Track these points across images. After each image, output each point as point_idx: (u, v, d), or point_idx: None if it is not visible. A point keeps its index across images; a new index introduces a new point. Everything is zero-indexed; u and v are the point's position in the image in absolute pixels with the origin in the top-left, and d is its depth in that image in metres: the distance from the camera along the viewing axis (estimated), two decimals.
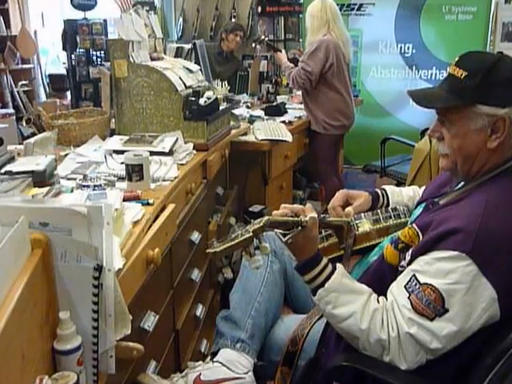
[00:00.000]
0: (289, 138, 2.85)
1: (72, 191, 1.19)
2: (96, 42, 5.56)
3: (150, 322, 1.40)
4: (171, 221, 1.53)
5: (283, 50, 3.69)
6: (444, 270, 1.06)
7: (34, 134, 1.93)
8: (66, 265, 0.86)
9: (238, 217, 2.79)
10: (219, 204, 2.57)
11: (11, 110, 6.52)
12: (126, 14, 2.03)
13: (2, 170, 1.18)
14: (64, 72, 6.57)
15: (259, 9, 4.91)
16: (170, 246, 1.63)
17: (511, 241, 1.05)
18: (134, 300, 1.24)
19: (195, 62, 2.80)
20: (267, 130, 2.88)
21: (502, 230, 1.05)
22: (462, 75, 1.14)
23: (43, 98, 7.18)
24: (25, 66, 6.99)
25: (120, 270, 1.11)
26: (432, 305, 1.07)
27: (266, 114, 3.36)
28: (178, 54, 2.90)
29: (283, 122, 3.20)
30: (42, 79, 7.23)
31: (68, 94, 6.70)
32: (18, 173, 1.16)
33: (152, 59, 2.29)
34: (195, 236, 1.96)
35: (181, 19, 5.74)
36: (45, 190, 1.11)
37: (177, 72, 2.21)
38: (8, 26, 6.73)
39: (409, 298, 1.10)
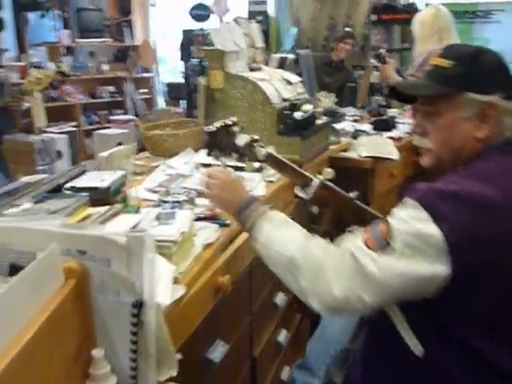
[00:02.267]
0: (395, 156, 2.63)
1: (138, 210, 1.12)
2: None
3: (218, 352, 1.30)
4: (249, 244, 1.42)
5: (390, 60, 3.43)
6: (398, 214, 1.03)
7: None
8: (104, 298, 0.77)
9: (335, 238, 2.61)
10: (314, 223, 2.42)
11: (132, 117, 6.91)
12: (224, 23, 1.97)
13: (68, 185, 1.15)
14: (181, 81, 6.82)
15: (374, 17, 4.70)
16: (250, 268, 1.53)
17: (466, 195, 0.99)
18: (200, 329, 1.15)
19: (298, 73, 2.69)
20: (372, 146, 2.69)
21: (454, 187, 1.02)
22: (448, 64, 1.12)
23: (161, 105, 7.52)
24: (145, 74, 7.37)
25: (182, 298, 1.03)
26: (379, 237, 1.01)
27: (374, 129, 3.16)
28: (282, 64, 2.81)
29: (391, 137, 2.98)
30: (163, 88, 7.57)
31: (183, 102, 6.95)
32: (81, 189, 1.12)
33: (251, 70, 2.22)
34: None
35: (295, 29, 5.69)
36: (103, 209, 1.05)
37: (274, 84, 2.12)
38: (131, 36, 7.14)
39: (363, 235, 1.06)
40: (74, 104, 6.41)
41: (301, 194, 1.26)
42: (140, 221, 1.04)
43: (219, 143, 1.31)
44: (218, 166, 1.47)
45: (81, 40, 6.73)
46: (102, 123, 6.77)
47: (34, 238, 0.76)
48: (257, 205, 1.21)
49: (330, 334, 1.42)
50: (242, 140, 1.28)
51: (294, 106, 2.06)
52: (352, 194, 1.26)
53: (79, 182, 1.17)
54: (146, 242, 0.75)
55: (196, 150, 2.10)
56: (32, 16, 6.40)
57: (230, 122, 1.29)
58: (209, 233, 1.30)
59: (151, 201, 1.57)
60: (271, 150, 1.43)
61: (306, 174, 1.30)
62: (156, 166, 1.94)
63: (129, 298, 0.76)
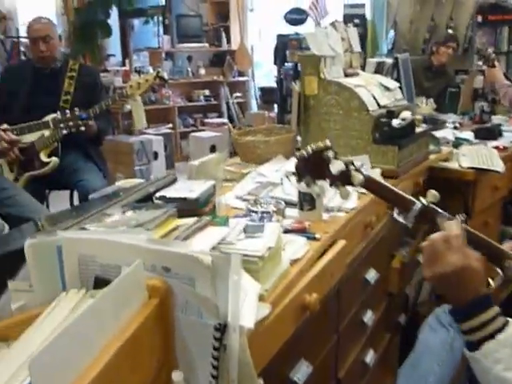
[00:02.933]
0: (500, 168, 2.43)
1: (226, 222, 1.09)
2: None
3: (301, 373, 1.25)
4: (339, 260, 1.35)
5: (497, 63, 3.18)
6: None
7: None
8: (186, 318, 0.74)
9: None
10: (408, 236, 2.29)
11: (226, 120, 7.04)
12: (320, 27, 1.91)
13: (158, 194, 1.14)
14: (274, 85, 6.84)
15: (479, 18, 4.40)
16: (338, 285, 1.46)
17: None
18: (283, 349, 1.10)
19: (396, 79, 2.56)
20: (474, 156, 2.50)
21: None
22: None
23: (255, 109, 7.59)
24: (240, 78, 7.47)
25: (266, 317, 0.98)
26: None
27: (475, 137, 2.95)
28: (379, 69, 2.70)
29: (496, 147, 2.76)
30: (255, 92, 7.64)
31: (276, 106, 6.96)
32: (170, 199, 1.10)
33: (346, 75, 2.14)
34: (371, 275, 1.74)
35: (392, 32, 5.50)
36: (191, 221, 1.02)
37: (371, 90, 2.02)
38: (228, 41, 7.27)
39: None
40: (171, 107, 6.63)
41: (400, 219, 1.15)
42: (227, 234, 1.01)
43: (310, 169, 1.22)
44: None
45: (180, 45, 6.95)
46: (197, 126, 6.95)
47: (120, 251, 0.75)
48: (489, 313, 0.97)
49: (427, 364, 1.30)
50: (336, 167, 1.19)
51: (392, 114, 1.95)
52: (458, 217, 1.14)
53: (169, 192, 1.16)
54: (231, 262, 0.71)
55: (287, 158, 2.06)
56: (136, 22, 6.71)
57: (323, 146, 1.20)
58: (297, 247, 1.25)
59: (240, 209, 1.55)
60: (365, 168, 1.34)
61: (408, 197, 1.19)
62: (246, 173, 1.92)
63: (212, 320, 0.72)
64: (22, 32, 6.02)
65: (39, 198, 2.87)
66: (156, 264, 0.73)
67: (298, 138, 2.18)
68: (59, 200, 3.27)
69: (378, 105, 2.01)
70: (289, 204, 1.56)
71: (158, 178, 1.28)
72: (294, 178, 1.79)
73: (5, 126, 2.31)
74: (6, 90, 2.91)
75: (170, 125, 6.63)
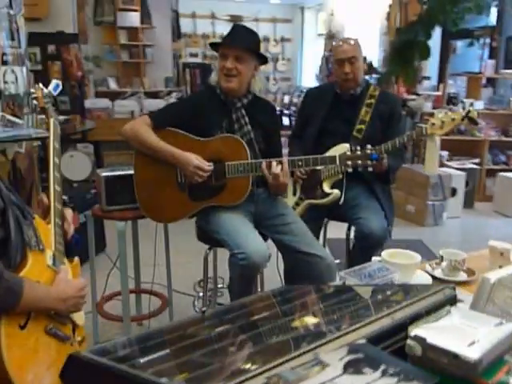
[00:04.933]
0: None
1: None
2: None
3: None
4: None
5: None
6: None
7: None
8: None
9: None
10: None
11: None
12: None
13: (414, 333, 0.67)
14: None
15: None
16: None
17: None
18: None
19: None
20: None
21: None
22: None
23: None
24: None
25: None
26: None
27: None
28: None
29: None
30: None
31: None
32: (432, 348, 0.63)
33: None
34: None
35: None
36: None
37: None
38: None
39: None
40: (481, 140, 5.89)
41: None
42: None
43: None
44: None
45: (505, 71, 6.12)
46: (509, 165, 6.03)
47: None
48: None
49: None
50: None
51: None
52: None
53: (432, 332, 0.69)
54: None
55: None
56: (459, 44, 6.18)
57: None
58: None
59: None
60: None
61: None
62: None
63: None
64: None
65: (317, 226, 2.73)
66: None
67: None
68: (338, 229, 3.10)
69: None
70: None
71: (427, 289, 0.83)
72: None
73: (284, 159, 2.22)
74: (305, 113, 2.86)
75: (477, 160, 5.90)
